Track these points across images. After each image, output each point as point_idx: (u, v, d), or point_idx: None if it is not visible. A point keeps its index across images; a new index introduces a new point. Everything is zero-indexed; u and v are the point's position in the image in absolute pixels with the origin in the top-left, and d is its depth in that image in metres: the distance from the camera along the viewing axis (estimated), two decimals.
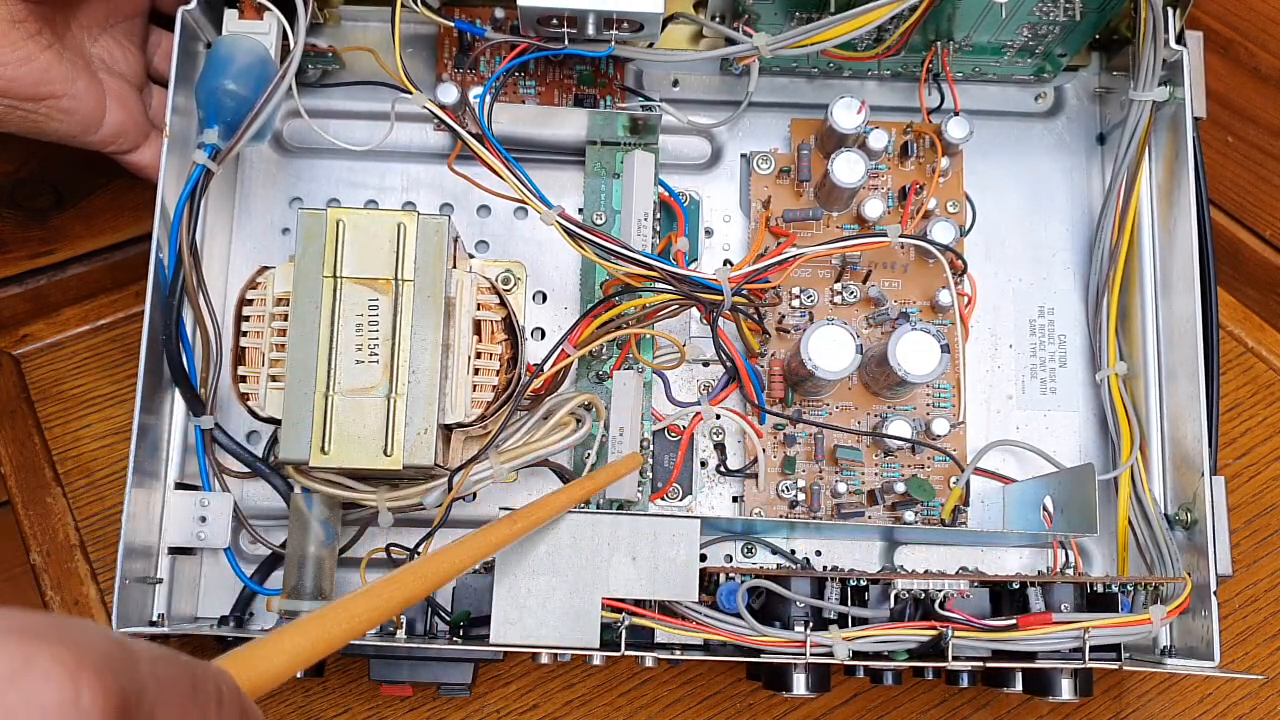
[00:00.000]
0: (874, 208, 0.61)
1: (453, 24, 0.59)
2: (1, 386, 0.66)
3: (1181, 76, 0.59)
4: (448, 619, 0.55)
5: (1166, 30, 0.58)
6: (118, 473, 0.64)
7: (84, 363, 0.67)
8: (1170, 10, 0.58)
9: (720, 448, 0.62)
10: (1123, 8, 0.59)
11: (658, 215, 0.61)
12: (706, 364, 0.63)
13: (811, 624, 0.50)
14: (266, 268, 0.55)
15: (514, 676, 0.62)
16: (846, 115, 0.60)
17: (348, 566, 0.58)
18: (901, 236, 0.58)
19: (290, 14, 0.57)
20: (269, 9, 0.57)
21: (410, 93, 0.56)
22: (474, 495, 0.61)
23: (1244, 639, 0.64)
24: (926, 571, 0.51)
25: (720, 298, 0.55)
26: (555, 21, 0.55)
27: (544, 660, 0.53)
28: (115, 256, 0.69)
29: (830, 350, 0.56)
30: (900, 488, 0.59)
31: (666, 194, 0.62)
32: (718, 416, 0.61)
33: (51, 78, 0.54)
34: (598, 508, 0.57)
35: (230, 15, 0.58)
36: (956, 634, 0.49)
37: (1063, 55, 0.64)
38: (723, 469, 0.61)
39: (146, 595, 0.56)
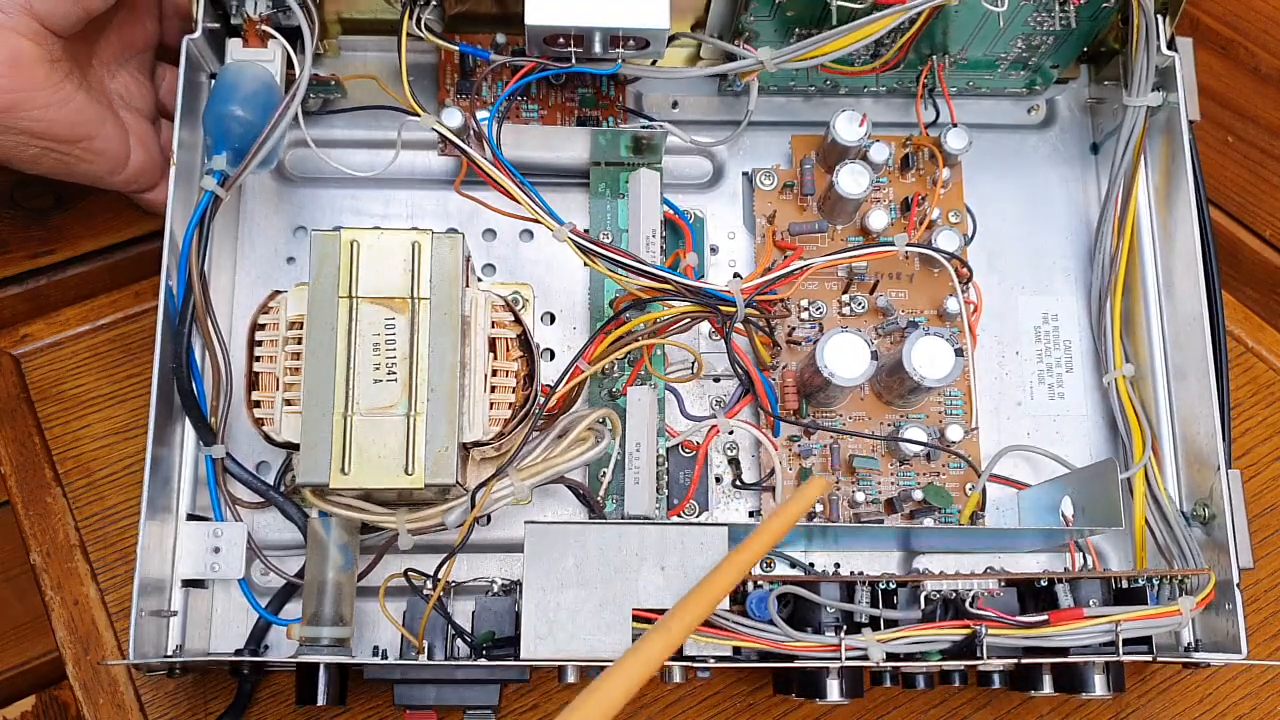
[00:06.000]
0: (878, 219, 0.62)
1: (457, 47, 0.59)
2: (1, 386, 0.65)
3: (1174, 81, 0.60)
4: (470, 641, 0.54)
5: (1158, 37, 0.60)
6: (118, 473, 0.63)
7: (84, 363, 0.66)
8: (1160, 17, 0.60)
9: (735, 463, 0.62)
10: (1113, 18, 0.60)
11: (664, 234, 0.62)
12: (717, 379, 0.63)
13: (845, 629, 0.50)
14: (279, 292, 0.55)
15: None
16: (848, 128, 0.61)
17: (365, 595, 0.58)
18: (908, 245, 0.59)
19: (294, 41, 0.57)
20: (273, 36, 0.58)
21: (417, 115, 0.56)
22: (489, 519, 0.60)
23: None
24: (956, 572, 0.51)
25: (734, 309, 0.55)
26: (562, 40, 0.56)
27: (570, 680, 0.52)
28: (115, 256, 0.69)
29: (846, 357, 0.56)
30: (918, 495, 0.59)
31: (672, 212, 0.63)
32: (730, 432, 0.61)
33: (87, 118, 0.54)
34: (623, 519, 0.57)
35: (234, 44, 0.58)
36: (990, 632, 0.49)
37: (1054, 67, 0.65)
38: (739, 483, 0.61)
39: (161, 629, 0.55)
